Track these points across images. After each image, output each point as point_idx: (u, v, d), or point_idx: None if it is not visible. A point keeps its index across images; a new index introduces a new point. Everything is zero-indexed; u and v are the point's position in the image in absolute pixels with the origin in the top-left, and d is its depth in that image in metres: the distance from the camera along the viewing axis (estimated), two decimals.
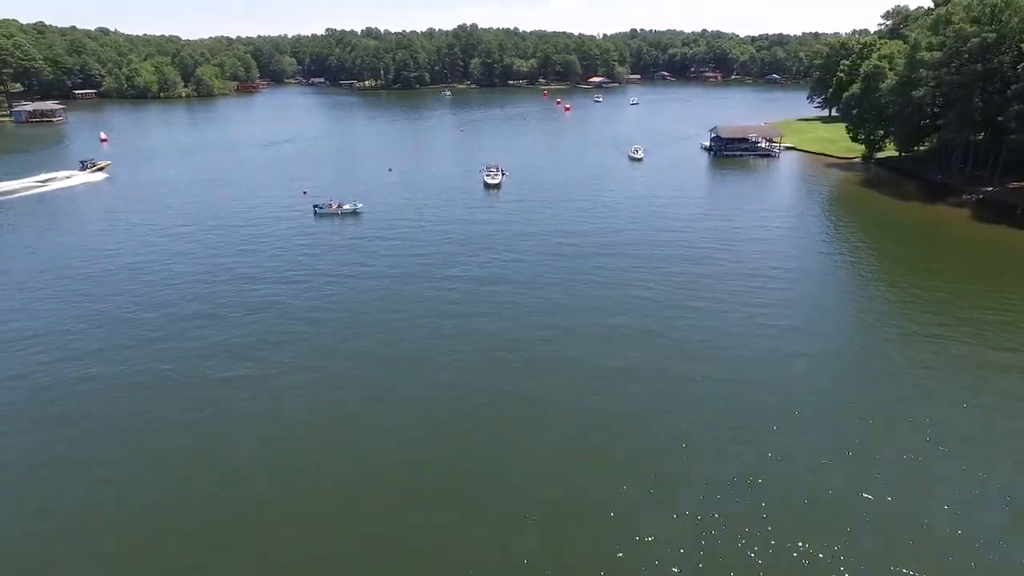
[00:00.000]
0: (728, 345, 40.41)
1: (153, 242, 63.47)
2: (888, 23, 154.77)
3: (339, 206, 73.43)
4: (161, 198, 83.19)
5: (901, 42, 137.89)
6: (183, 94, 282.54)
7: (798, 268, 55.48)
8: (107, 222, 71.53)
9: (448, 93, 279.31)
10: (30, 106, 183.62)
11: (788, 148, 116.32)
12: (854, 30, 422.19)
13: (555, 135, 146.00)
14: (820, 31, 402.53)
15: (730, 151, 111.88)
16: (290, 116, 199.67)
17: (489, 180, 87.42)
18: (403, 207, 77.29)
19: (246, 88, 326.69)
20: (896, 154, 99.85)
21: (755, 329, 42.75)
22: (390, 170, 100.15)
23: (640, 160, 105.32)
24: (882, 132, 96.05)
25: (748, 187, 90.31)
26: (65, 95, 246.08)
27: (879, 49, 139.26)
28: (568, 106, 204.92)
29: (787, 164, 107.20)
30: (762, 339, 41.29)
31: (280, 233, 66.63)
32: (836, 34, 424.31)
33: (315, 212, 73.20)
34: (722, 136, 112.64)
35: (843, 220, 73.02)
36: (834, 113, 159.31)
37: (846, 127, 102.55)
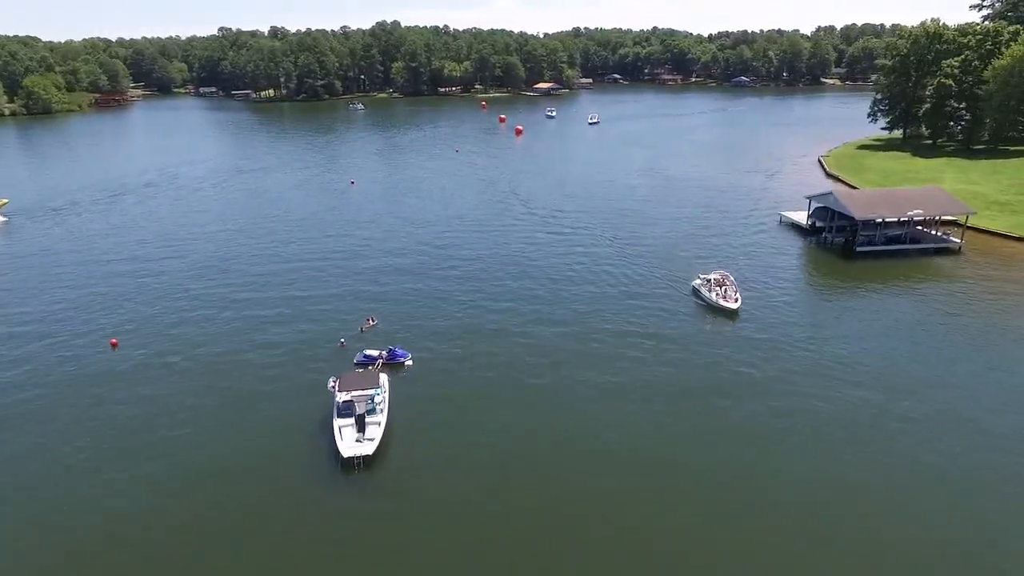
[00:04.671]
0: None
1: None
2: (989, 3, 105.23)
3: None
4: None
5: None
6: (5, 111, 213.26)
7: None
8: None
9: (360, 106, 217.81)
10: None
11: (949, 222, 61.94)
12: (818, 27, 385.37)
13: (507, 189, 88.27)
14: (784, 28, 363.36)
15: (868, 242, 56.65)
16: (116, 151, 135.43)
17: (344, 443, 27.49)
18: None
19: (108, 101, 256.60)
20: None
21: None
22: (114, 345, 40.06)
23: (736, 311, 44.71)
24: None
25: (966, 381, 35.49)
26: None
27: (1014, 38, 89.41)
28: (519, 127, 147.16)
29: (979, 269, 53.40)
30: None
31: None
32: (796, 31, 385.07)
33: None
34: (856, 215, 55.06)
35: None
36: (908, 134, 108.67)
37: None
